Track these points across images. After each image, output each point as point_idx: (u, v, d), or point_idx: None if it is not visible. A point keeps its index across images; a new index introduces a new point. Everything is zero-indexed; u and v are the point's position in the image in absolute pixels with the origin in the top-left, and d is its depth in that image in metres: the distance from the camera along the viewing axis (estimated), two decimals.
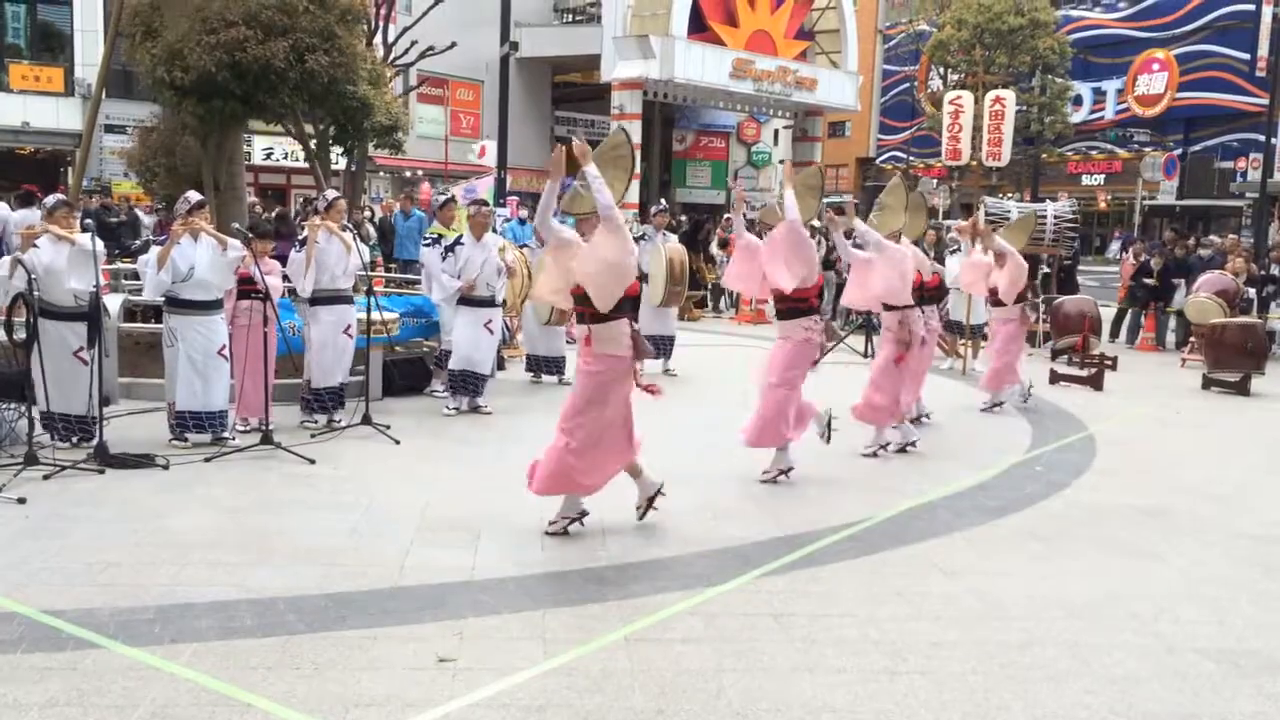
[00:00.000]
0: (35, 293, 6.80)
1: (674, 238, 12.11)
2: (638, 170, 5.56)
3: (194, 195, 7.69)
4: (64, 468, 6.56)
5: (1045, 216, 14.87)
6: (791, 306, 7.13)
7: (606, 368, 5.64)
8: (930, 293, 9.05)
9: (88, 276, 6.92)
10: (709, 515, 6.32)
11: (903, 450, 8.18)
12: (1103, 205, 34.17)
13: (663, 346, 11.59)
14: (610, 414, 5.71)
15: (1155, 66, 32.87)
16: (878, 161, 42.04)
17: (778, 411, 7.00)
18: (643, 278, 11.88)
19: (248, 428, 7.89)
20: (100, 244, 7.15)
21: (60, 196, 7.71)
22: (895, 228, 8.15)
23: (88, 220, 7.36)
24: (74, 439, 7.21)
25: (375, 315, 8.63)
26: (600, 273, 5.48)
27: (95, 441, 6.90)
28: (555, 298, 5.91)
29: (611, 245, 5.44)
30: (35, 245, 6.91)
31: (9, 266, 6.79)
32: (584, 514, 5.85)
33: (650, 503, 6.02)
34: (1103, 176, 34.95)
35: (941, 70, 33.26)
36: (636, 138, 29.93)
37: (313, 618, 4.51)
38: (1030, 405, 10.36)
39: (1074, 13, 34.53)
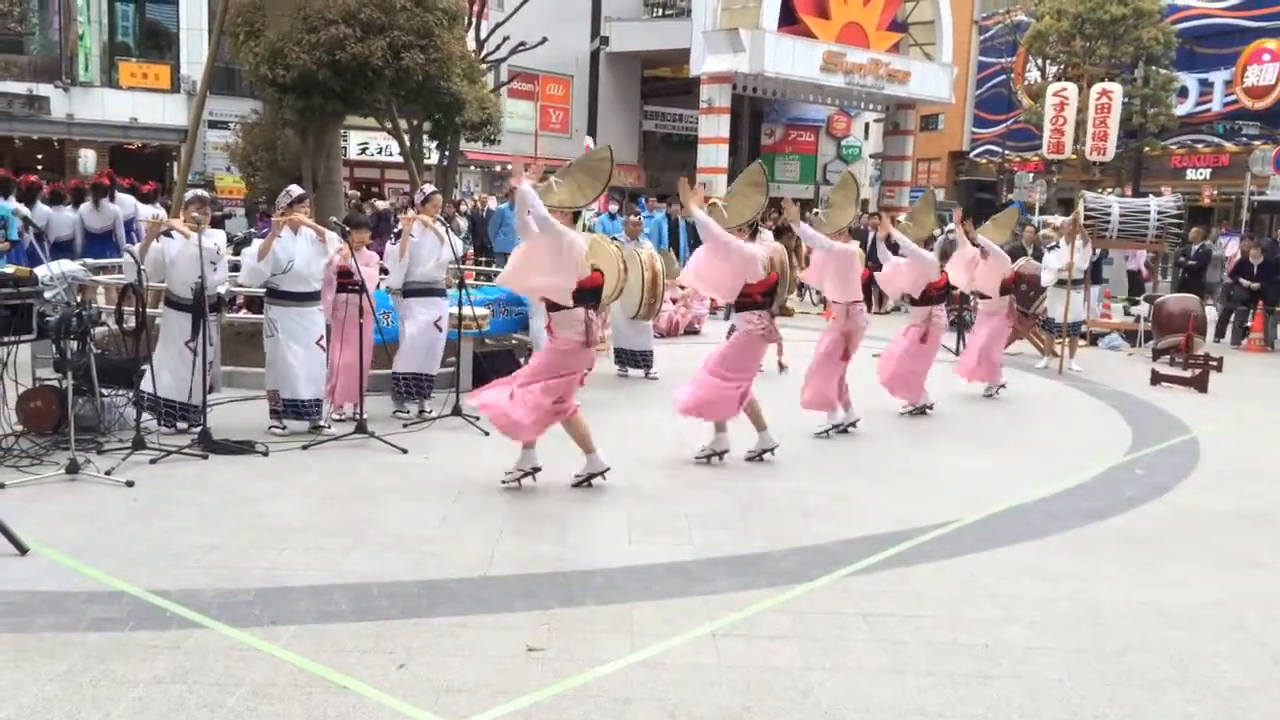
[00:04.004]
0: (162, 282, 7.29)
1: (769, 235, 12.00)
2: (609, 183, 6.39)
3: (295, 189, 7.89)
4: (169, 453, 6.80)
5: (1149, 212, 14.44)
6: (739, 301, 7.37)
7: (564, 347, 6.35)
8: (939, 292, 9.47)
9: (217, 270, 7.42)
10: (797, 512, 6.28)
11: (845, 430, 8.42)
12: (1208, 200, 32.97)
13: None
14: (555, 384, 6.35)
15: (1266, 57, 31.45)
16: (971, 155, 41.08)
17: (715, 393, 7.22)
18: None
19: (343, 417, 8.07)
20: (222, 238, 7.48)
21: (199, 193, 8.05)
22: (843, 224, 8.41)
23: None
24: (185, 424, 7.46)
25: (466, 309, 8.74)
26: (540, 277, 6.23)
27: (199, 428, 7.14)
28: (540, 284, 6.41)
29: (542, 252, 6.16)
30: (169, 235, 7.23)
31: (130, 260, 7.13)
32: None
33: (523, 476, 6.49)
34: (1208, 171, 33.65)
35: (1040, 62, 32.35)
36: (725, 131, 29.85)
37: (405, 604, 4.60)
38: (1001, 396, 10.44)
39: (1179, 1, 33.26)
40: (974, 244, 10.34)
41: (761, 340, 7.32)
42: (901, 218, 9.85)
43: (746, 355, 7.32)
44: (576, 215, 6.40)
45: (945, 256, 11.24)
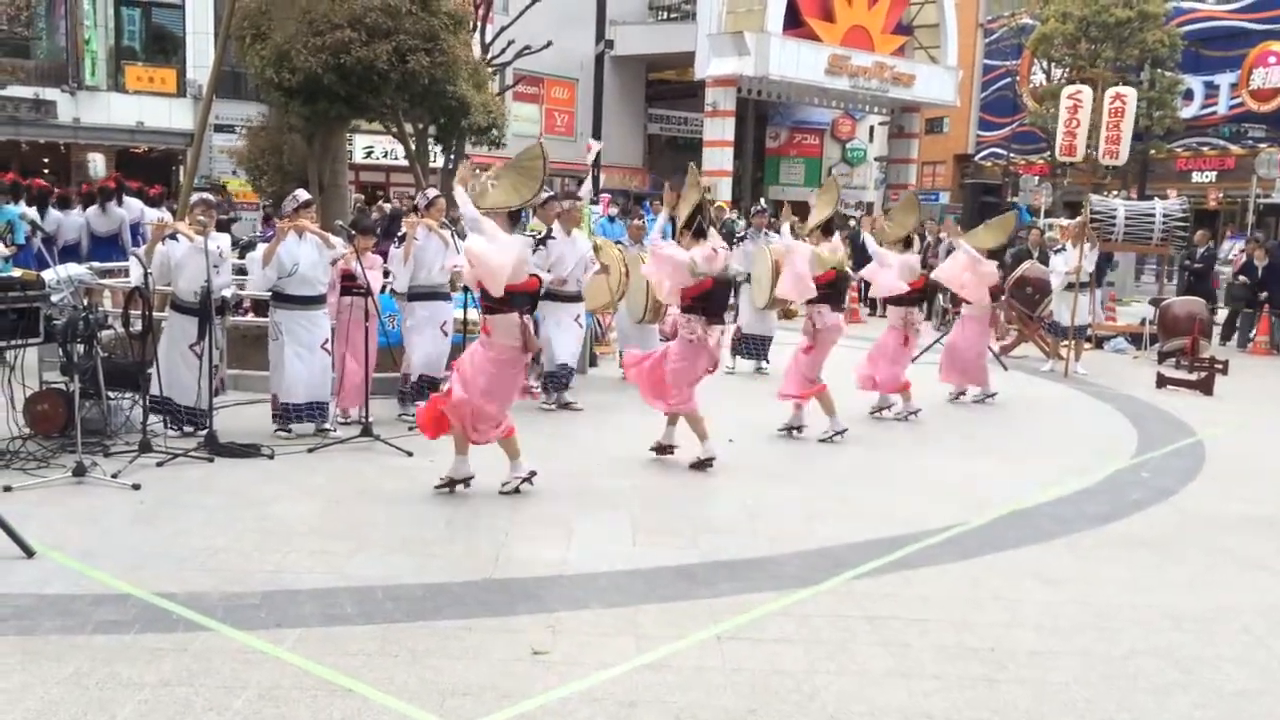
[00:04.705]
0: (167, 285, 7.30)
1: (777, 239, 11.96)
2: (545, 181, 6.44)
3: (302, 193, 7.89)
4: (175, 455, 6.81)
5: (1154, 215, 14.42)
6: (682, 303, 7.43)
7: (500, 354, 6.22)
8: (917, 293, 9.60)
9: (221, 273, 7.42)
10: (801, 515, 6.28)
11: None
12: (1213, 203, 32.92)
13: (758, 347, 11.54)
14: (494, 391, 6.24)
15: (1272, 60, 31.43)
16: (976, 158, 41.05)
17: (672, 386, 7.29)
18: (746, 278, 11.84)
19: (348, 420, 8.08)
20: (226, 241, 7.51)
21: (205, 196, 8.08)
22: (816, 224, 8.51)
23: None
24: (191, 427, 7.47)
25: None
26: (477, 268, 6.06)
27: (205, 431, 7.15)
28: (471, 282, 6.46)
29: (482, 246, 6.04)
30: (174, 239, 7.25)
31: (137, 263, 7.13)
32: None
33: (520, 482, 6.41)
34: (1214, 173, 33.61)
35: (1045, 65, 32.37)
36: (730, 135, 29.87)
37: (410, 607, 4.60)
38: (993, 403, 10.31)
39: (1185, 4, 33.14)
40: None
41: (697, 347, 7.15)
42: (885, 222, 9.96)
43: (688, 367, 7.20)
44: (515, 217, 6.33)
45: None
